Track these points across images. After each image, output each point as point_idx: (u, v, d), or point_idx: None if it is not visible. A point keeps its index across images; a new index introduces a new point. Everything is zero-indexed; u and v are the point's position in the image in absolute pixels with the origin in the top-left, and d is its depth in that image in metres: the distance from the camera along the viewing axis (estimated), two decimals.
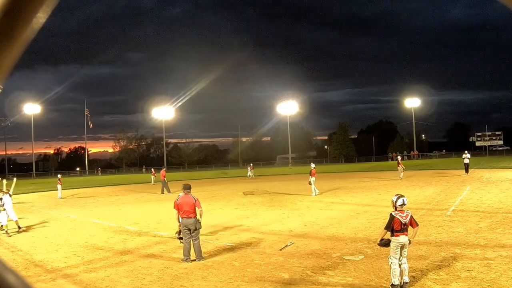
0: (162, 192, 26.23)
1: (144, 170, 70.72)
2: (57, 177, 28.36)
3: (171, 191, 25.74)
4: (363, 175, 36.06)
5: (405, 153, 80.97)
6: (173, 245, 10.05)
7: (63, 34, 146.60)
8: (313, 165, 22.10)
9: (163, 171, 27.80)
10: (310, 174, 21.14)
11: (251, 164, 46.19)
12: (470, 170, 30.32)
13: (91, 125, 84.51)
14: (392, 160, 74.64)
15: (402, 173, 28.21)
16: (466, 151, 30.15)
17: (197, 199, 8.94)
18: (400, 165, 28.46)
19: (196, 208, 8.78)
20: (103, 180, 50.53)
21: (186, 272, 7.87)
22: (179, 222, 8.90)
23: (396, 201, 6.61)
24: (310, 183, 21.16)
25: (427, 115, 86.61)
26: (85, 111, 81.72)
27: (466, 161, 28.64)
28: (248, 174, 42.33)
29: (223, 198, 21.74)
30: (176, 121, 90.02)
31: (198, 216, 8.81)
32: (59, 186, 26.81)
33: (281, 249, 9.19)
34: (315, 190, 20.83)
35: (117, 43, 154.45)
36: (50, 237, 12.28)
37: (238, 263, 8.37)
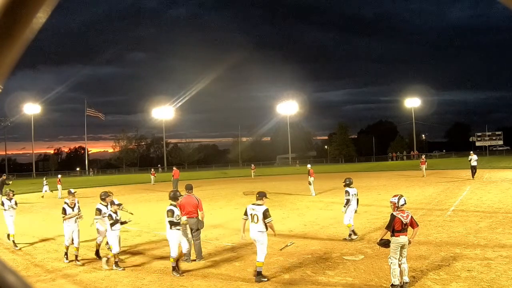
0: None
1: (160, 169, 70.30)
2: (57, 177, 28.41)
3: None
4: (363, 175, 36.05)
5: (405, 153, 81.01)
6: None
7: (66, 34, 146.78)
8: (309, 166, 22.54)
9: (176, 170, 28.91)
10: (309, 174, 21.29)
11: (252, 165, 46.04)
12: (468, 171, 30.05)
13: (103, 118, 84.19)
14: (392, 160, 74.77)
15: (425, 171, 29.46)
16: (471, 152, 27.17)
17: (200, 201, 8.96)
18: (423, 164, 29.83)
19: (198, 210, 8.81)
20: (103, 180, 50.53)
21: (186, 272, 7.87)
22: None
23: (398, 201, 6.63)
24: (310, 183, 21.21)
25: (427, 115, 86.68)
26: (86, 111, 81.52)
27: (474, 163, 25.40)
28: (252, 175, 41.82)
29: (223, 198, 21.74)
30: (176, 121, 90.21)
31: (200, 217, 8.83)
32: (59, 186, 26.85)
33: (281, 249, 9.18)
34: (312, 191, 20.95)
35: (119, 43, 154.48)
36: (50, 237, 12.28)
37: (238, 263, 8.37)
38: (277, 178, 39.03)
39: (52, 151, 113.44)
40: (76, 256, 9.02)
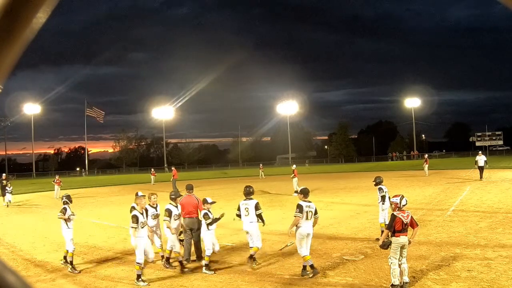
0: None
1: (166, 169, 69.73)
2: (55, 178, 28.37)
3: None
4: (363, 175, 36.05)
5: (405, 153, 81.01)
6: None
7: (66, 34, 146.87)
8: (294, 166, 22.88)
9: (174, 170, 29.35)
10: (294, 174, 21.76)
11: (261, 164, 45.69)
12: (468, 171, 30.15)
13: (101, 120, 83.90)
14: (392, 160, 74.80)
15: (427, 171, 30.46)
16: (480, 152, 26.55)
17: (200, 200, 8.96)
18: (426, 163, 30.75)
19: (199, 210, 8.82)
20: (103, 180, 50.53)
21: (186, 272, 7.86)
22: (180, 222, 8.91)
23: (400, 202, 6.63)
24: (294, 184, 21.86)
25: (427, 115, 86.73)
26: (86, 111, 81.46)
27: (481, 163, 24.44)
28: (260, 175, 40.94)
29: (223, 198, 21.72)
30: (176, 121, 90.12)
31: (200, 217, 8.83)
32: (57, 187, 26.79)
33: (281, 249, 9.19)
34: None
35: (119, 43, 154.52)
36: (50, 237, 12.27)
37: (238, 263, 8.37)
38: (277, 178, 39.00)
39: (52, 151, 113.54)
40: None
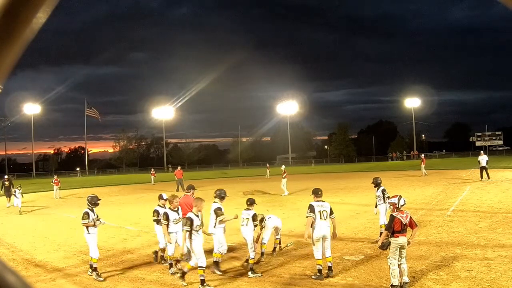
0: (178, 190, 26.70)
1: (170, 169, 68.89)
2: (54, 178, 28.32)
3: (179, 190, 26.06)
4: (363, 175, 36.05)
5: (404, 153, 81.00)
6: None
7: (66, 34, 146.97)
8: (283, 167, 23.11)
9: (179, 170, 28.84)
10: (284, 175, 22.39)
11: (267, 164, 45.43)
12: (468, 171, 30.15)
13: (99, 119, 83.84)
14: (392, 160, 74.78)
15: (424, 171, 30.72)
16: (481, 152, 26.46)
17: None
18: (423, 163, 31.09)
19: None
20: (103, 180, 50.52)
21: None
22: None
23: (398, 202, 6.63)
24: (282, 184, 22.25)
25: (427, 115, 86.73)
26: (86, 111, 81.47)
27: (483, 163, 23.81)
28: (267, 175, 40.43)
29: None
30: (176, 121, 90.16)
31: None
32: (55, 187, 26.76)
33: (281, 249, 9.20)
34: (285, 191, 21.90)
35: (119, 43, 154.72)
36: (50, 237, 12.28)
37: (238, 263, 8.37)
38: (277, 178, 38.98)
39: (52, 151, 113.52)
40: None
